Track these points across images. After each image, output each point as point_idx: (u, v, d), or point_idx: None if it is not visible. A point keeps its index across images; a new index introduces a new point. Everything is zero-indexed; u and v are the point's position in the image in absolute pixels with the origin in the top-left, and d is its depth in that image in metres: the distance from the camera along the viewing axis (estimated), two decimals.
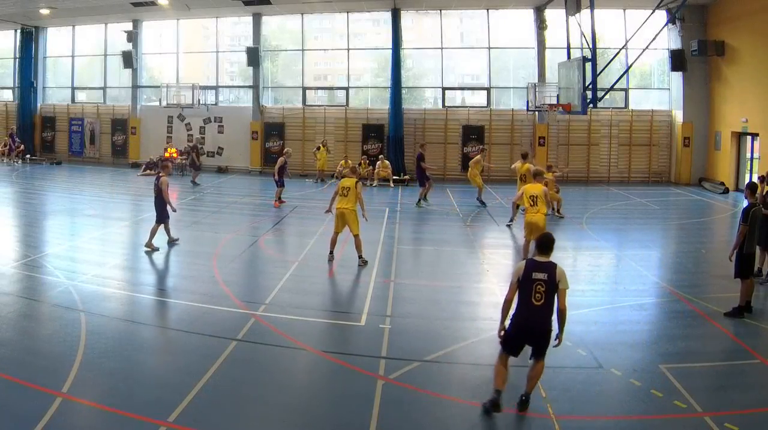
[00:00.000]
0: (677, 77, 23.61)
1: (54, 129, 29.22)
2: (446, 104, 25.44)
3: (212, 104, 27.04)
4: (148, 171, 24.66)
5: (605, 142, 24.28)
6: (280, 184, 17.23)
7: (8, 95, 30.48)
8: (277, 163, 17.46)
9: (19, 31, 28.54)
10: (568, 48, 19.43)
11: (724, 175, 21.90)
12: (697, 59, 22.72)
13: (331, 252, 11.27)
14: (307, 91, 26.48)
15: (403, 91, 25.01)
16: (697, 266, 11.84)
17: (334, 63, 27.43)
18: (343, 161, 23.74)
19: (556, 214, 15.81)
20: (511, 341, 5.72)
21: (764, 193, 10.10)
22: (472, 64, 26.71)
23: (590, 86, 16.60)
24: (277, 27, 27.66)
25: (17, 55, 28.98)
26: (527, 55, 24.97)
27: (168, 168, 12.75)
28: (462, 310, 8.93)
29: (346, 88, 26.16)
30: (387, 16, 24.71)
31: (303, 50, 26.29)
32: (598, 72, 16.76)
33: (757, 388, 6.40)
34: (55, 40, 29.48)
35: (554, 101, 19.95)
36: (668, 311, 8.86)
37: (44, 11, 25.10)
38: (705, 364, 7.05)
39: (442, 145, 24.89)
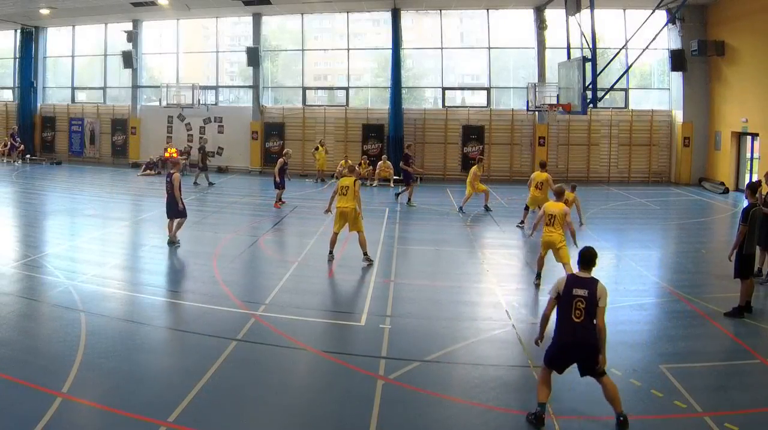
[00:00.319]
0: (677, 77, 23.61)
1: (54, 129, 29.22)
2: (446, 104, 25.44)
3: (212, 104, 27.04)
4: (148, 171, 24.71)
5: (605, 142, 24.28)
6: (281, 185, 17.22)
7: (8, 95, 30.48)
8: (277, 164, 17.44)
9: (19, 31, 28.53)
10: (568, 48, 19.43)
11: (724, 176, 21.90)
12: (697, 59, 22.71)
13: (331, 252, 11.28)
14: (307, 91, 26.48)
15: (403, 91, 25.00)
16: (697, 266, 11.84)
17: (334, 63, 27.43)
18: (343, 161, 23.76)
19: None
20: (555, 359, 5.59)
21: (765, 193, 10.08)
22: (472, 64, 26.71)
23: (590, 86, 16.59)
24: (277, 27, 27.66)
25: (17, 55, 28.96)
26: (527, 55, 24.97)
27: (179, 165, 13.01)
28: (462, 310, 8.93)
29: (346, 88, 26.15)
30: (387, 16, 24.71)
31: (303, 50, 26.29)
32: (598, 72, 16.76)
33: (757, 388, 6.40)
34: (55, 40, 29.47)
35: (554, 101, 19.95)
36: (668, 311, 8.86)
37: (44, 11, 25.10)
38: (705, 364, 7.05)
39: (442, 145, 24.90)
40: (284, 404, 6.02)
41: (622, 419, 5.38)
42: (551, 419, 5.62)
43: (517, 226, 14.77)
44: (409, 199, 18.15)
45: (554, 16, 23.02)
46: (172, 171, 12.38)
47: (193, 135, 26.91)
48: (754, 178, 18.66)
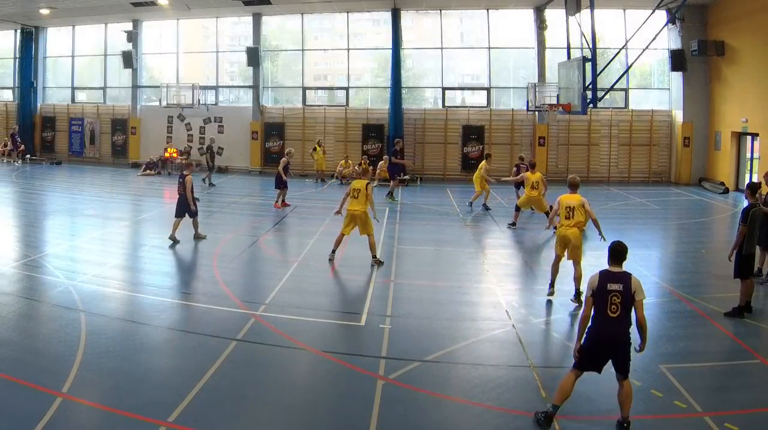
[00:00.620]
0: (677, 77, 23.61)
1: (54, 129, 29.22)
2: (446, 104, 25.44)
3: (212, 104, 27.04)
4: (148, 171, 24.72)
5: (605, 142, 24.28)
6: (285, 185, 17.23)
7: (8, 95, 30.49)
8: (280, 163, 17.45)
9: (19, 31, 28.54)
10: (568, 48, 19.43)
11: (724, 176, 21.90)
12: (697, 59, 22.71)
13: (334, 251, 11.28)
14: (307, 91, 26.48)
15: (403, 91, 25.01)
16: (697, 266, 11.84)
17: (334, 63, 27.44)
18: (343, 161, 23.80)
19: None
20: (587, 355, 5.45)
21: (765, 193, 10.08)
22: (472, 64, 26.72)
23: (590, 86, 16.60)
24: (277, 27, 27.66)
25: (17, 55, 28.97)
26: (527, 55, 24.97)
27: (192, 167, 13.46)
28: (462, 310, 8.93)
29: (346, 88, 26.16)
30: (387, 16, 24.71)
31: (303, 50, 26.29)
32: (598, 72, 16.77)
33: (757, 388, 6.40)
34: (55, 40, 29.48)
35: (554, 101, 19.95)
36: (668, 311, 8.85)
37: (44, 11, 25.11)
38: (705, 364, 7.05)
39: (442, 145, 24.91)
40: (284, 404, 6.02)
41: (626, 424, 5.37)
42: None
43: (508, 226, 14.74)
44: (391, 193, 18.60)
45: (554, 16, 23.03)
46: (185, 173, 12.75)
47: (193, 135, 26.94)
48: (754, 179, 18.68)
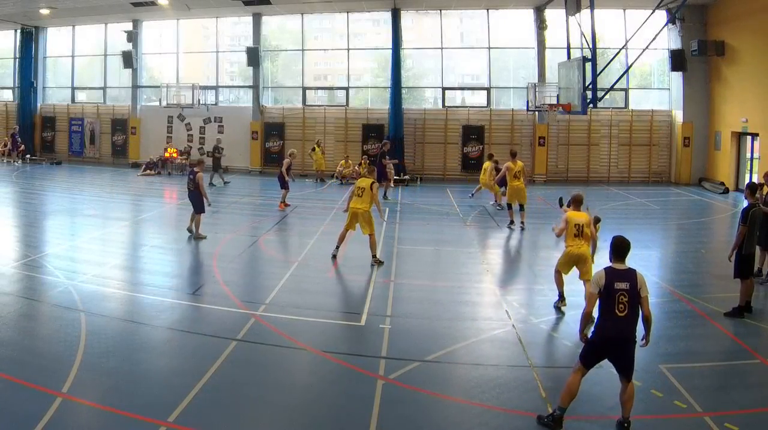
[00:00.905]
0: (677, 77, 23.61)
1: (54, 129, 29.21)
2: (446, 104, 25.44)
3: (212, 104, 27.04)
4: (148, 171, 24.71)
5: (605, 142, 24.28)
6: (287, 186, 17.24)
7: (8, 95, 30.48)
8: (284, 164, 17.44)
9: (19, 31, 28.53)
10: (568, 48, 19.42)
11: (724, 175, 21.90)
12: (697, 59, 22.71)
13: (337, 247, 11.30)
14: (307, 91, 26.48)
15: (403, 91, 25.00)
16: (697, 266, 11.84)
17: (334, 63, 27.43)
18: (343, 161, 23.80)
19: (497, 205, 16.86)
20: (594, 352, 5.43)
21: (765, 194, 10.08)
22: (472, 64, 26.72)
23: (590, 86, 16.59)
24: (277, 27, 27.65)
25: (17, 55, 28.96)
26: (527, 55, 24.97)
27: (203, 164, 13.95)
28: (462, 310, 8.93)
29: (346, 88, 26.15)
30: (387, 16, 24.71)
31: (303, 50, 26.29)
32: (598, 72, 16.76)
33: (757, 388, 6.40)
34: (55, 40, 29.47)
35: (554, 101, 19.95)
36: (668, 311, 8.85)
37: (44, 11, 25.10)
38: (705, 364, 7.05)
39: (442, 145, 24.91)
40: (284, 404, 6.02)
41: (626, 424, 5.35)
42: None
43: (508, 226, 14.72)
44: (384, 193, 18.90)
45: (554, 16, 23.02)
46: (196, 169, 13.19)
47: (193, 135, 26.93)
48: (754, 178, 18.68)
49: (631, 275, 5.40)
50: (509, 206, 15.00)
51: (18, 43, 28.81)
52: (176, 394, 5.93)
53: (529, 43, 24.38)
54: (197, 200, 13.07)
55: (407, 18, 25.74)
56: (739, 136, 21.57)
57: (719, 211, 18.32)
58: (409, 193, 21.17)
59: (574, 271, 8.64)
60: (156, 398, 5.91)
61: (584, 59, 16.65)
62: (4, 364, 6.49)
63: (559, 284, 8.78)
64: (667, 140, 24.22)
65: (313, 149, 23.85)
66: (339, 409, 5.89)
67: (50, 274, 10.09)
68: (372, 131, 25.14)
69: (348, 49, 25.80)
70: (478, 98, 25.69)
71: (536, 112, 23.34)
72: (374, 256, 11.08)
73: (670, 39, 23.47)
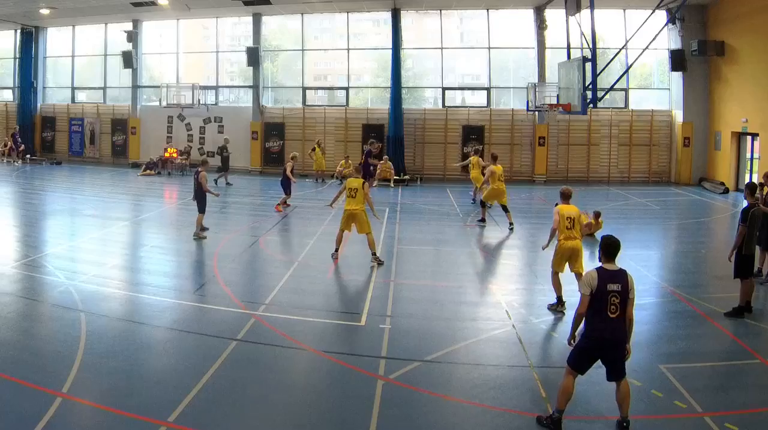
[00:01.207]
0: (677, 77, 23.61)
1: (54, 129, 29.23)
2: (446, 104, 25.44)
3: (212, 104, 27.04)
4: (148, 171, 24.71)
5: (605, 142, 24.28)
6: (289, 191, 17.21)
7: (8, 95, 30.49)
8: (287, 168, 17.39)
9: (19, 31, 28.55)
10: (568, 48, 19.43)
11: (724, 175, 21.90)
12: (697, 59, 22.71)
13: (337, 250, 11.30)
14: (307, 91, 26.49)
15: (403, 91, 25.00)
16: (697, 266, 11.85)
17: (334, 63, 27.44)
18: (344, 161, 23.78)
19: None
20: (586, 356, 5.40)
21: (765, 194, 10.09)
22: (472, 64, 26.72)
23: (590, 86, 16.60)
24: (277, 27, 27.65)
25: (17, 55, 28.99)
26: (527, 55, 24.99)
27: (207, 164, 14.13)
28: (462, 310, 8.93)
29: (346, 88, 26.16)
30: (387, 16, 24.71)
31: (303, 50, 26.29)
32: (598, 72, 16.76)
33: (757, 388, 6.40)
34: (55, 40, 29.49)
35: (554, 101, 19.95)
36: (668, 311, 8.86)
37: (44, 11, 25.11)
38: (705, 364, 7.05)
39: (442, 145, 24.91)
40: (284, 404, 6.02)
41: (625, 424, 5.35)
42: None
43: (478, 222, 14.97)
44: None
45: (554, 16, 23.01)
46: (200, 169, 13.31)
47: (193, 135, 26.94)
48: (754, 179, 18.68)
49: (622, 276, 5.39)
50: (483, 204, 15.20)
51: (18, 43, 28.82)
52: (176, 394, 5.94)
53: (529, 43, 24.38)
54: (200, 200, 13.22)
55: (407, 18, 25.74)
56: (739, 136, 21.57)
57: (719, 211, 18.32)
58: (409, 193, 21.17)
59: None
60: (156, 398, 5.91)
61: (584, 59, 16.66)
62: (4, 364, 6.49)
63: (557, 287, 8.73)
64: (667, 140, 24.22)
65: (314, 149, 23.85)
66: (339, 409, 5.89)
67: (50, 274, 10.09)
68: (372, 131, 25.11)
69: (348, 49, 25.80)
70: (478, 98, 25.69)
71: (536, 112, 23.34)
72: (374, 254, 11.08)
73: (670, 39, 23.46)
